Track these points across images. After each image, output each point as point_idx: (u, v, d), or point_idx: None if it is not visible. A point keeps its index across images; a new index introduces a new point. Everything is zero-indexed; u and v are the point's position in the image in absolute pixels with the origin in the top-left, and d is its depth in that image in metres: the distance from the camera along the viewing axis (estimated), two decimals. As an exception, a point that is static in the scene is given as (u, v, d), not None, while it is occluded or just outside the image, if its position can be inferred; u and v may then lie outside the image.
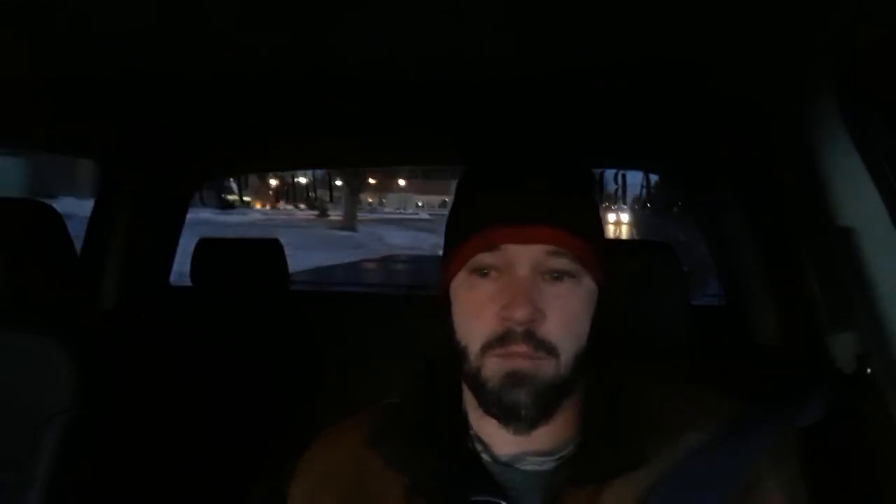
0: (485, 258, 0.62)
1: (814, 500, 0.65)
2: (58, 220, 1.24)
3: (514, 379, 0.60)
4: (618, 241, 1.28)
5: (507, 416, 0.61)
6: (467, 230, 0.64)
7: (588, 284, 0.63)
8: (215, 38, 0.85)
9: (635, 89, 1.06)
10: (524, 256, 0.61)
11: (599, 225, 0.68)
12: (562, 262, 0.61)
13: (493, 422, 0.64)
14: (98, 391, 1.06)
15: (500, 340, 0.60)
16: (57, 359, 1.04)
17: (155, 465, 1.25)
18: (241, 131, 1.53)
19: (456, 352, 0.64)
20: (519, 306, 0.59)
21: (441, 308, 0.68)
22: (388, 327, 1.63)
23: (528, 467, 0.65)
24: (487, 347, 0.61)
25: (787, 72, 0.82)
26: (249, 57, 0.92)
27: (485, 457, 0.66)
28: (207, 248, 1.76)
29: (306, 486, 0.72)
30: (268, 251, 1.82)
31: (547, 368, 0.60)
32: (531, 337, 0.59)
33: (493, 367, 0.61)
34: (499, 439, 0.65)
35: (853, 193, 0.74)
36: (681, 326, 1.09)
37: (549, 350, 0.60)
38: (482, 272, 0.63)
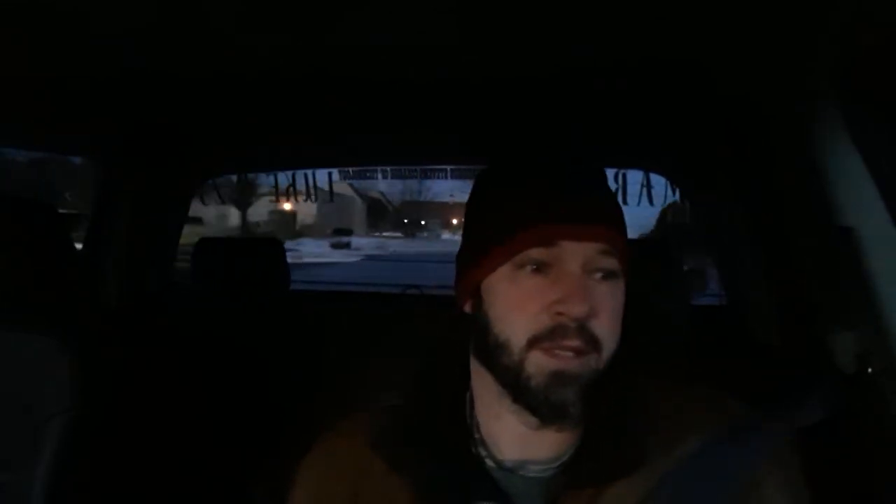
0: (536, 253, 0.62)
1: (814, 500, 0.65)
2: (58, 220, 1.24)
3: (561, 378, 0.60)
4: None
5: (553, 414, 0.61)
6: (514, 226, 0.63)
7: (623, 285, 0.65)
8: (215, 38, 0.85)
9: (635, 89, 1.06)
10: (577, 254, 0.61)
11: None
12: (610, 262, 0.63)
13: (506, 424, 0.64)
14: (98, 391, 1.06)
15: (550, 334, 0.60)
16: (57, 359, 1.03)
17: (155, 465, 1.25)
18: (241, 131, 1.53)
19: (492, 347, 0.63)
20: (577, 302, 0.59)
21: (460, 303, 0.68)
22: (388, 327, 1.63)
23: (531, 474, 0.65)
24: (535, 341, 0.61)
25: (787, 72, 0.82)
26: (249, 57, 0.92)
27: (489, 462, 0.66)
28: (208, 248, 1.76)
29: (308, 489, 0.71)
30: (268, 251, 1.82)
31: (590, 365, 0.61)
32: (584, 331, 0.60)
33: (537, 363, 0.60)
34: (506, 443, 0.65)
35: (853, 193, 0.74)
36: (681, 326, 1.09)
37: (595, 345, 0.61)
38: (532, 266, 0.62)
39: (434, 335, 0.70)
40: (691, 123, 1.30)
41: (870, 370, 0.76)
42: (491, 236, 0.65)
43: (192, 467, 1.36)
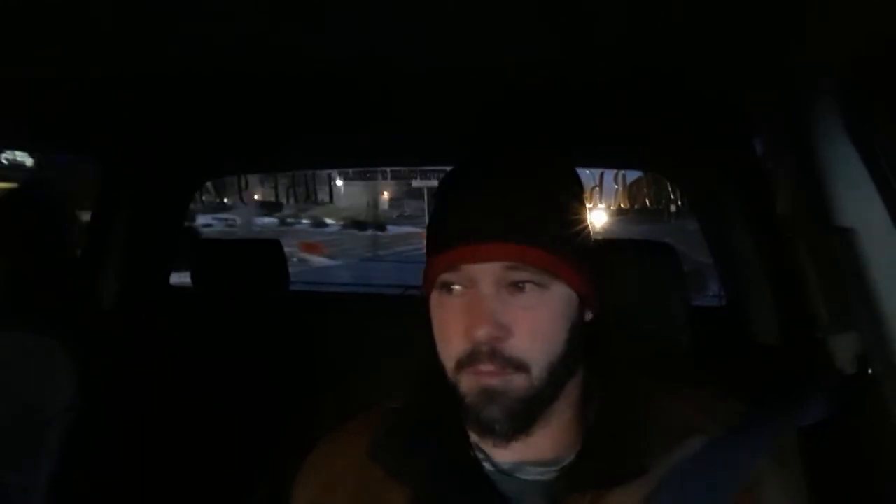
0: (448, 277, 0.63)
1: (815, 501, 0.65)
2: (58, 219, 1.24)
3: (487, 396, 0.60)
4: (617, 240, 1.29)
5: (483, 430, 0.62)
6: (434, 248, 0.65)
7: (559, 291, 0.62)
8: (215, 38, 0.85)
9: (637, 90, 1.06)
10: (483, 274, 0.61)
11: (574, 229, 0.64)
12: (524, 275, 0.61)
13: None
14: (98, 391, 1.06)
15: (469, 359, 0.61)
16: (57, 359, 1.04)
17: (155, 466, 1.25)
18: (241, 131, 1.53)
19: (442, 367, 0.65)
20: (479, 326, 0.59)
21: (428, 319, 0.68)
22: (389, 327, 1.63)
23: (530, 476, 0.65)
24: (459, 366, 0.62)
25: (787, 72, 0.82)
26: (249, 57, 0.92)
27: (486, 465, 0.66)
28: (208, 249, 1.76)
29: (308, 495, 0.71)
30: (268, 251, 1.82)
31: (518, 384, 0.60)
32: (497, 354, 0.59)
33: (467, 384, 0.61)
34: (496, 449, 0.65)
35: (853, 193, 0.74)
36: (681, 327, 1.09)
37: (518, 366, 0.60)
38: (448, 289, 0.63)
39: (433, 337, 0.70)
40: (691, 124, 1.30)
41: (870, 371, 0.76)
42: (427, 255, 0.67)
43: (192, 468, 1.36)
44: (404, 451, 0.66)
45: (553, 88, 1.08)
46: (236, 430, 1.54)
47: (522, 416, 0.61)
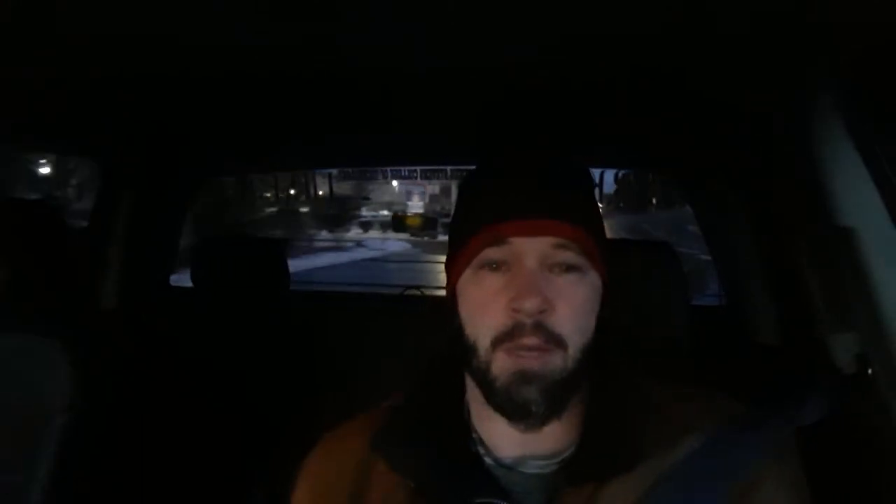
0: (492, 252, 0.63)
1: (814, 500, 0.65)
2: (58, 220, 1.24)
3: (524, 376, 0.60)
4: (617, 241, 1.29)
5: (518, 413, 0.61)
6: (474, 226, 0.64)
7: (593, 279, 0.64)
8: (215, 38, 0.86)
9: (637, 90, 1.06)
10: (531, 249, 0.61)
11: (601, 222, 0.69)
12: (568, 255, 0.62)
13: (499, 423, 0.64)
14: (98, 392, 1.06)
15: (510, 334, 0.60)
16: (57, 359, 1.04)
17: (155, 466, 1.25)
18: (241, 131, 1.53)
19: (465, 349, 0.64)
20: (528, 297, 0.59)
21: (447, 307, 0.68)
22: (389, 327, 1.63)
23: (531, 470, 0.65)
24: (497, 342, 0.61)
25: (787, 72, 0.82)
26: (250, 57, 0.92)
27: (487, 460, 0.66)
28: (208, 248, 1.76)
29: (308, 492, 0.71)
30: (269, 250, 1.82)
31: (555, 363, 0.60)
32: (540, 328, 0.60)
33: (502, 364, 0.61)
34: (503, 441, 0.65)
35: (853, 193, 0.74)
36: (681, 326, 1.09)
37: (558, 342, 0.60)
38: (490, 266, 0.63)
39: (434, 336, 0.70)
40: (691, 124, 1.30)
41: (870, 370, 0.76)
42: (456, 240, 0.67)
43: (192, 467, 1.36)
44: (405, 446, 0.67)
45: (553, 88, 1.08)
46: (236, 430, 1.53)
47: (558, 396, 0.61)
